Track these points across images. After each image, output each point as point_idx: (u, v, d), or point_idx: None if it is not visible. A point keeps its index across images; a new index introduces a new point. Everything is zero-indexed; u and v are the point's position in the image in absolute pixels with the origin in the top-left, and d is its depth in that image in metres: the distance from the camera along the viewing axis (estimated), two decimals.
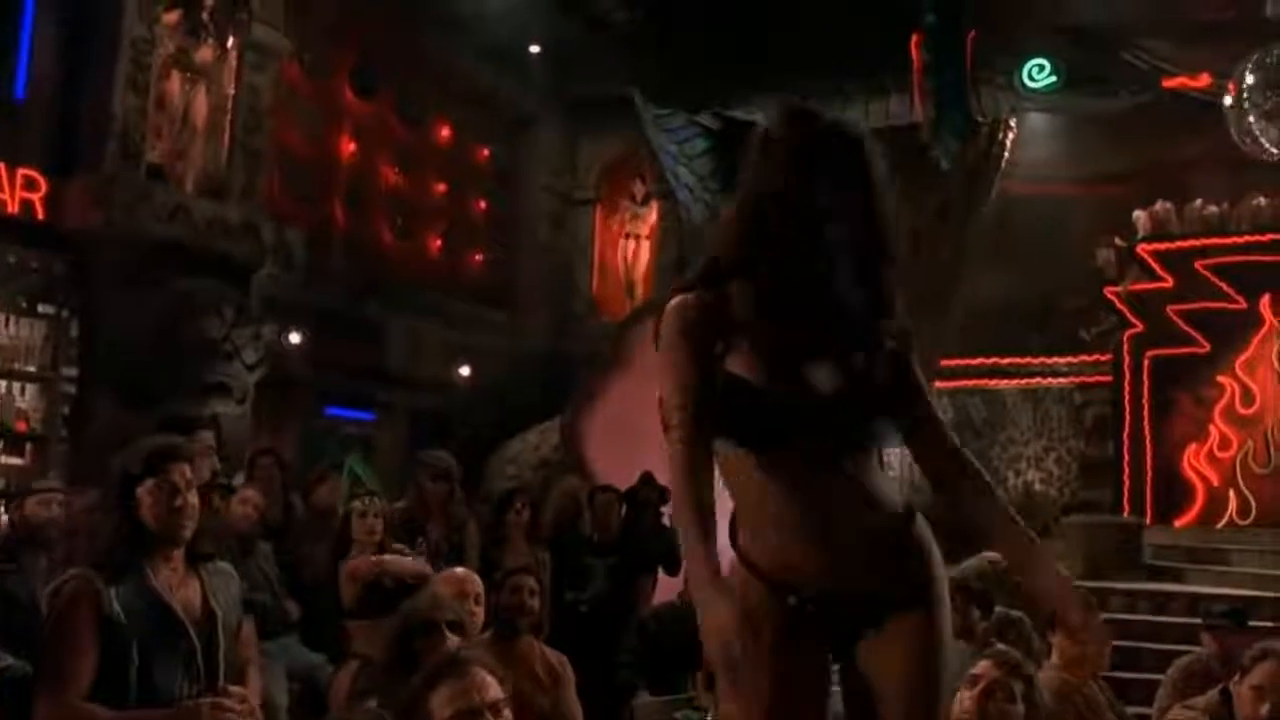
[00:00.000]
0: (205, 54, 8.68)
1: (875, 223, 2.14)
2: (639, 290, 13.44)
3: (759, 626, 2.10)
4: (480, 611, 4.19)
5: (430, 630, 3.31)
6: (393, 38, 10.81)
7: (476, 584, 4.24)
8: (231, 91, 9.01)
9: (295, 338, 9.65)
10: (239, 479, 7.37)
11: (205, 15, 8.61)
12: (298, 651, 5.55)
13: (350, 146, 10.97)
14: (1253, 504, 11.55)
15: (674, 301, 2.15)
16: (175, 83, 8.89)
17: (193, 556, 3.13)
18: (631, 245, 13.60)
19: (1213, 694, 4.05)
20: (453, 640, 3.26)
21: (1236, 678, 3.85)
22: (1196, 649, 5.82)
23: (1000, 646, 5.41)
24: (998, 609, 6.40)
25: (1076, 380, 12.62)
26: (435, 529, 6.15)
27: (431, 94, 11.67)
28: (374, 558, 5.04)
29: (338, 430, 10.58)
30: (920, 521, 2.21)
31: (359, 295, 10.42)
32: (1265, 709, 3.68)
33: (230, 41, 8.97)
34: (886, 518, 2.16)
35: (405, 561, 4.84)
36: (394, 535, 5.51)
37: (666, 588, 6.87)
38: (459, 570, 4.41)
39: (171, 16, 8.43)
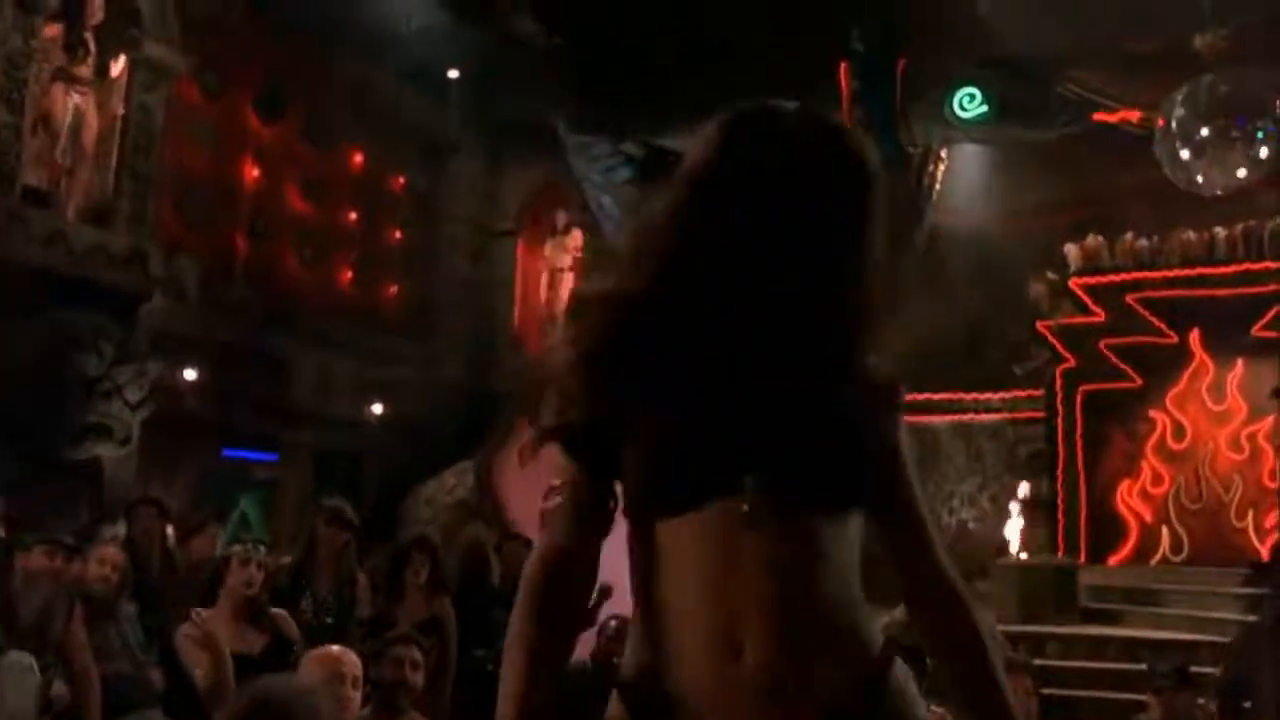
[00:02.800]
0: (86, 71, 8.09)
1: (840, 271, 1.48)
2: (562, 324, 12.97)
3: None
4: (357, 696, 3.73)
5: None
6: (301, 59, 10.30)
7: (353, 665, 3.80)
8: (121, 111, 8.44)
9: (191, 374, 9.05)
10: (120, 529, 6.85)
11: (88, 32, 8.02)
12: None
13: (254, 172, 10.39)
14: (1185, 541, 11.41)
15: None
16: (59, 101, 8.32)
17: None
18: (554, 277, 13.16)
19: None
20: None
21: None
22: (1134, 697, 5.56)
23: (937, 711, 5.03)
24: (931, 662, 6.03)
25: (1009, 416, 12.39)
26: (323, 581, 5.67)
27: (343, 118, 11.15)
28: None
29: (238, 472, 9.96)
30: (899, 671, 1.51)
31: (262, 327, 9.84)
32: None
33: (120, 59, 8.40)
34: (840, 650, 1.44)
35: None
36: (277, 593, 5.03)
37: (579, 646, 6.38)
38: (334, 649, 3.91)
39: (52, 30, 7.83)
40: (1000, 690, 1.53)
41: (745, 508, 1.41)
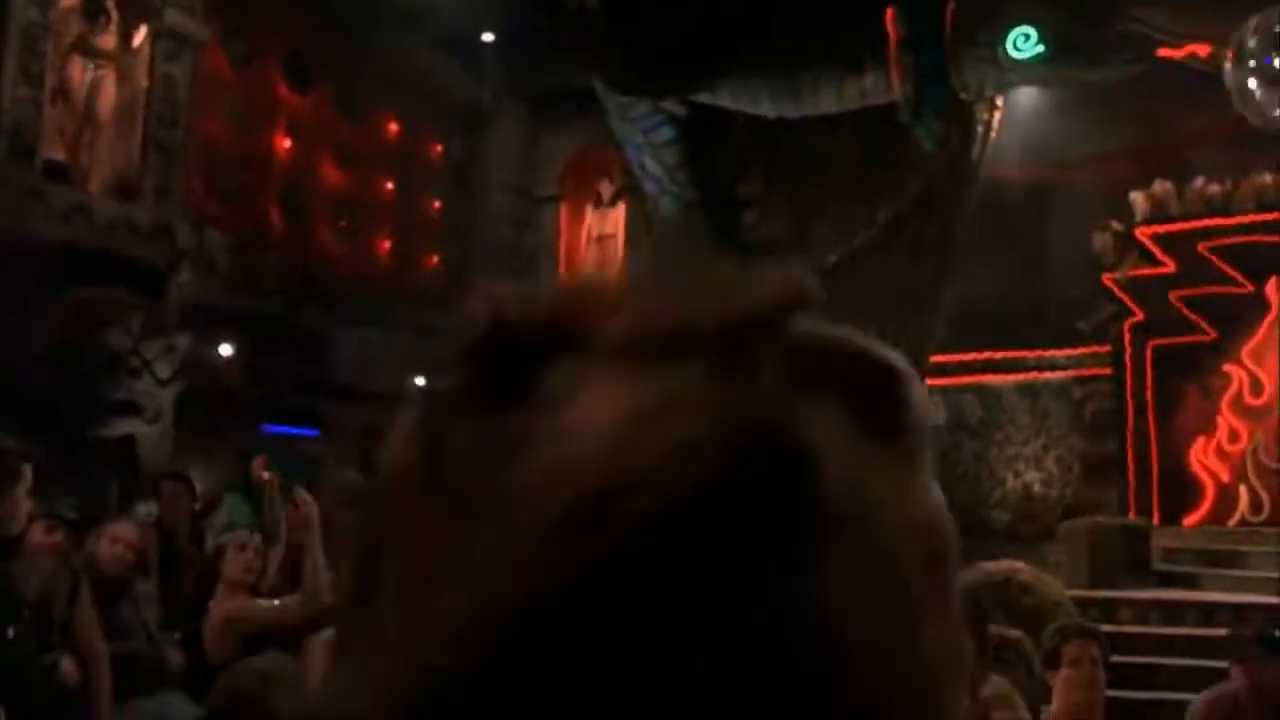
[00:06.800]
0: (109, 40, 7.91)
1: None
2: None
3: None
4: None
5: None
6: (331, 26, 10.05)
7: None
8: (144, 83, 8.26)
9: (227, 349, 8.88)
10: (153, 507, 6.80)
11: (109, 1, 7.84)
12: (179, 708, 4.79)
13: (285, 143, 10.18)
14: (1265, 500, 10.91)
15: None
16: (77, 72, 8.15)
17: None
18: (599, 244, 12.83)
19: None
20: None
21: None
22: (1214, 664, 5.12)
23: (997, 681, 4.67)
24: (994, 629, 5.66)
25: (1075, 374, 11.89)
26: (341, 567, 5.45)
27: (376, 87, 10.90)
28: (247, 602, 4.37)
29: (281, 448, 9.79)
30: None
31: (298, 301, 9.64)
32: None
33: (141, 29, 8.20)
34: None
35: (275, 607, 4.20)
36: (286, 578, 4.84)
37: None
38: None
39: (69, 1, 7.65)
40: None
41: None
